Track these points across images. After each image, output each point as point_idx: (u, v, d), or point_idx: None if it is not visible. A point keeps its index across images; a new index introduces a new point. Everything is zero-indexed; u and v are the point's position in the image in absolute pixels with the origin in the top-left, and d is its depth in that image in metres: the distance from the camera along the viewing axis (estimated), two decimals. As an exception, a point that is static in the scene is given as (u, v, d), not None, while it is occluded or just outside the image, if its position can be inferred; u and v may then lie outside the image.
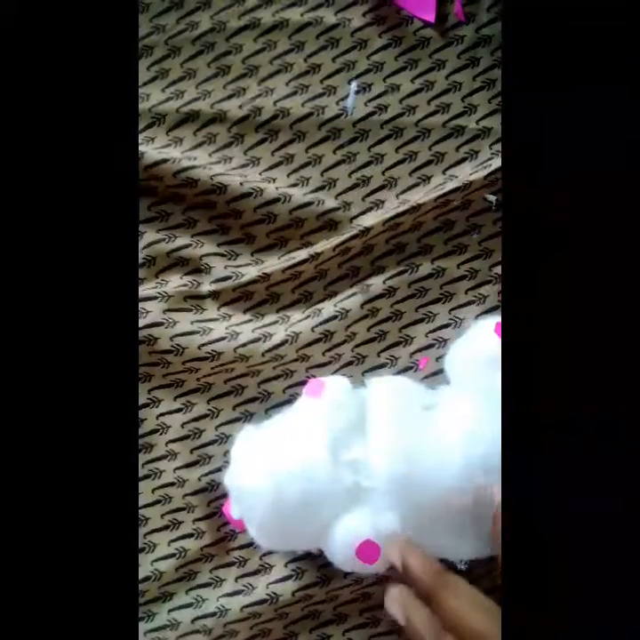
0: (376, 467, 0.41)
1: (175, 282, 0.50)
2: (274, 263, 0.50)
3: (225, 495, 0.48)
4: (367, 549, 0.42)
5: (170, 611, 0.48)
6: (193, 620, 0.48)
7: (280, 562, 0.49)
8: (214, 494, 0.49)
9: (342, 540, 0.42)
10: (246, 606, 0.48)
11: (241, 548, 0.49)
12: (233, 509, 0.44)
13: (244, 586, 0.49)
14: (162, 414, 0.50)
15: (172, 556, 0.49)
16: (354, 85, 0.51)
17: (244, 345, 0.50)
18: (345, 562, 0.43)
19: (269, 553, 0.49)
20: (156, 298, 0.49)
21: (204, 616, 0.48)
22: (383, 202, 0.51)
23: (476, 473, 0.40)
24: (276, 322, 0.50)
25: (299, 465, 0.41)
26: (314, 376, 0.50)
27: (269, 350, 0.50)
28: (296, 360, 0.50)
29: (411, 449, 0.41)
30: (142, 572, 0.49)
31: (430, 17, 0.51)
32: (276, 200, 0.50)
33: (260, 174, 0.51)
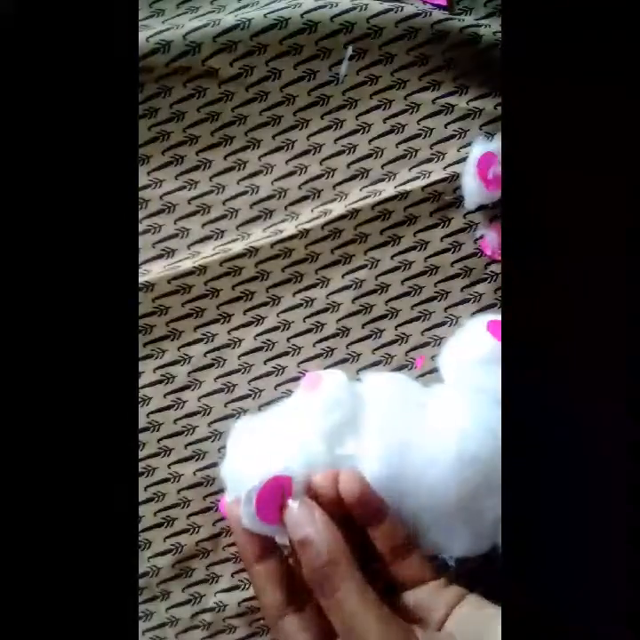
0: (368, 464, 0.41)
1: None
2: (260, 237, 0.49)
3: (221, 490, 0.47)
4: None
5: (168, 609, 0.48)
6: (191, 616, 0.48)
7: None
8: (210, 489, 0.49)
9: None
10: (245, 601, 0.48)
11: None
12: (229, 499, 0.44)
13: (241, 581, 0.49)
14: (152, 412, 0.49)
15: (169, 551, 0.49)
16: (349, 50, 0.49)
17: (236, 328, 0.49)
18: None
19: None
20: (140, 289, 0.49)
21: (203, 611, 0.48)
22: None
23: (467, 472, 0.40)
24: (266, 303, 0.50)
25: (294, 458, 0.41)
26: (307, 370, 0.49)
27: (261, 334, 0.50)
28: (287, 353, 0.49)
29: (403, 447, 0.41)
30: (140, 569, 0.48)
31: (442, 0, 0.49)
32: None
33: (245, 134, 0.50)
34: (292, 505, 0.38)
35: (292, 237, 0.49)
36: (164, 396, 0.50)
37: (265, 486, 0.39)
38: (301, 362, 0.50)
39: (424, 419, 0.42)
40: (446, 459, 0.40)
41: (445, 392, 0.44)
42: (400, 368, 0.50)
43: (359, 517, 0.40)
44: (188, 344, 0.50)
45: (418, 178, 0.50)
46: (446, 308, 0.50)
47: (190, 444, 0.49)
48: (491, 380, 0.41)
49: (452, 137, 0.50)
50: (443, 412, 0.42)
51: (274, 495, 0.39)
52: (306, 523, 0.38)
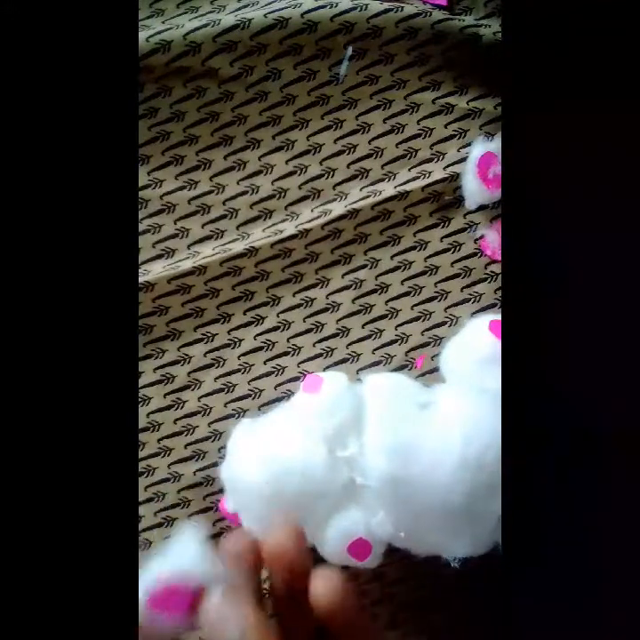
0: (370, 465, 0.41)
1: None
2: (260, 237, 0.49)
3: (221, 490, 0.47)
4: (358, 547, 0.42)
5: (168, 609, 0.49)
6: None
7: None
8: (210, 489, 0.49)
9: (335, 536, 0.42)
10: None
11: (237, 543, 0.49)
12: (228, 502, 0.44)
13: (241, 581, 0.49)
14: (152, 412, 0.49)
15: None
16: (349, 50, 0.49)
17: (236, 328, 0.49)
18: (335, 557, 0.43)
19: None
20: (140, 289, 0.49)
21: (203, 611, 0.48)
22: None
23: (470, 472, 0.40)
24: (266, 303, 0.50)
25: (296, 460, 0.41)
26: (307, 370, 0.49)
27: (261, 334, 0.50)
28: (287, 353, 0.50)
29: (406, 448, 0.41)
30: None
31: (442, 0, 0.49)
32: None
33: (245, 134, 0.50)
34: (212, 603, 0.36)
35: (292, 237, 0.49)
36: (164, 396, 0.50)
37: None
38: (301, 362, 0.50)
39: (426, 419, 0.42)
40: (450, 460, 0.40)
41: (447, 392, 0.43)
42: (400, 368, 0.50)
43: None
44: (188, 344, 0.50)
45: (418, 178, 0.50)
46: (446, 308, 0.50)
47: (190, 443, 0.49)
48: (493, 380, 0.41)
49: (452, 137, 0.50)
50: (445, 413, 0.42)
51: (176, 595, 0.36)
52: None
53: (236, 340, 0.50)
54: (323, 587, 0.37)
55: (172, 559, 0.37)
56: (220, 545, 0.39)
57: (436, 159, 0.50)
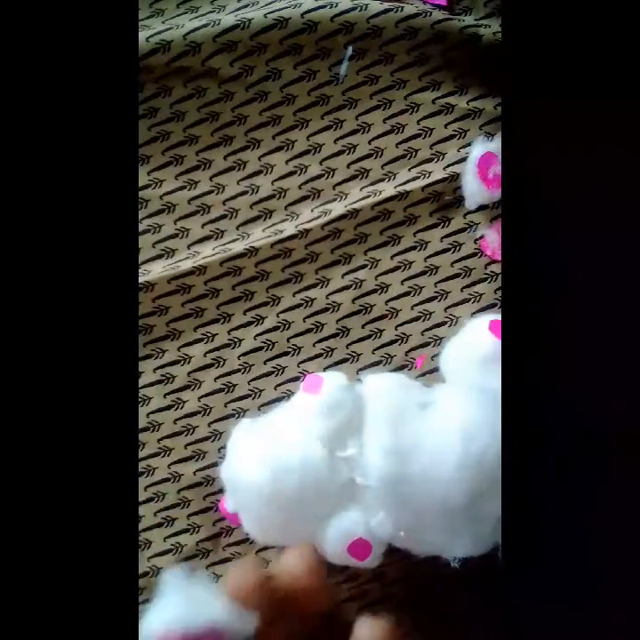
0: (370, 465, 0.41)
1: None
2: (260, 237, 0.49)
3: (221, 490, 0.47)
4: (358, 547, 0.42)
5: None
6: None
7: (276, 558, 0.48)
8: (210, 489, 0.49)
9: (335, 536, 0.42)
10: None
11: (237, 543, 0.49)
12: (228, 502, 0.44)
13: (241, 581, 0.49)
14: (152, 412, 0.49)
15: (169, 551, 0.49)
16: (349, 50, 0.49)
17: (236, 328, 0.49)
18: (335, 557, 0.43)
19: (265, 549, 0.49)
20: (140, 289, 0.49)
21: (203, 611, 0.48)
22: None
23: (471, 472, 0.40)
24: (266, 303, 0.50)
25: (296, 460, 0.41)
26: (306, 370, 0.49)
27: (261, 334, 0.50)
28: (287, 353, 0.50)
29: (406, 448, 0.41)
30: (140, 569, 0.48)
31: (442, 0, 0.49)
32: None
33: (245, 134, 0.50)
34: None
35: (292, 237, 0.49)
36: (164, 396, 0.50)
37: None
38: (301, 362, 0.50)
39: (426, 419, 0.42)
40: (450, 460, 0.40)
41: (447, 392, 0.43)
42: (400, 368, 0.50)
43: None
44: (188, 344, 0.50)
45: (418, 178, 0.50)
46: (446, 308, 0.50)
47: (190, 443, 0.49)
48: (493, 379, 0.41)
49: (452, 137, 0.50)
50: (445, 413, 0.42)
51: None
52: None
53: (235, 339, 0.50)
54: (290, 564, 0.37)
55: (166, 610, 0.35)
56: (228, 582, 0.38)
57: (436, 159, 0.50)
